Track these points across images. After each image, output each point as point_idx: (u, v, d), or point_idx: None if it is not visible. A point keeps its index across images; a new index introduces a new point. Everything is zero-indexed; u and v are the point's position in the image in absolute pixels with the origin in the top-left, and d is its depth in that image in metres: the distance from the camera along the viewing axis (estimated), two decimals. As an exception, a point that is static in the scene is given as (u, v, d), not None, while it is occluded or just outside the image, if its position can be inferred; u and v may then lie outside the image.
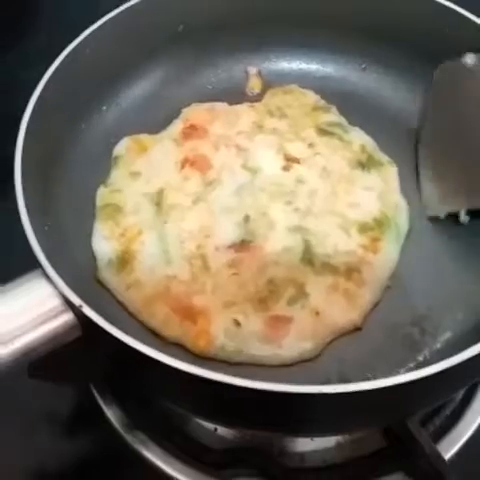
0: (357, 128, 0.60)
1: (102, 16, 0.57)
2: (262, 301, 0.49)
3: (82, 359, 0.50)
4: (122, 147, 0.58)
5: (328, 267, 0.51)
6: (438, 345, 0.49)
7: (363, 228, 0.54)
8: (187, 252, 0.51)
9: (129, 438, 0.54)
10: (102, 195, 0.55)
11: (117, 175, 0.56)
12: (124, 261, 0.51)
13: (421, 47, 0.60)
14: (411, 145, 0.60)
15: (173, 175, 0.56)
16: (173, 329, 0.48)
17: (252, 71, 0.65)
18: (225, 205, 0.54)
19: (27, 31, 0.88)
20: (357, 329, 0.50)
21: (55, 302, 0.41)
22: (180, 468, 0.53)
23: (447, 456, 0.52)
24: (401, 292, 0.52)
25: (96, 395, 0.56)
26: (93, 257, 0.52)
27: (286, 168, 0.56)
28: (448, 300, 0.51)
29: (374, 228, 0.54)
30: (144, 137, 0.59)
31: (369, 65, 0.64)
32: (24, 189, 0.46)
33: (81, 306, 0.40)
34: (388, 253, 0.53)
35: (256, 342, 0.48)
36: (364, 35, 0.63)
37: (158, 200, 0.54)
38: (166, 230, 0.52)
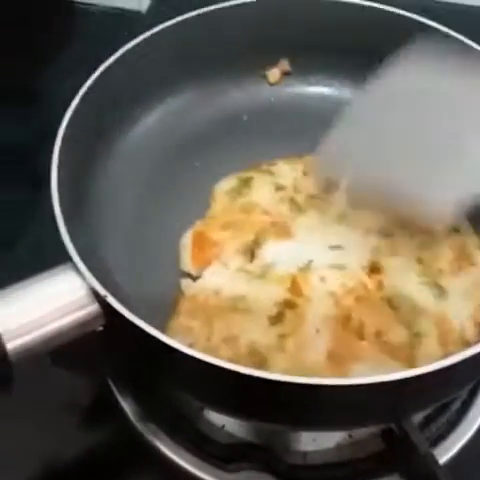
0: None
1: (138, 35, 0.62)
2: None
3: (102, 352, 0.54)
4: None
5: None
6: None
7: None
8: None
9: (142, 429, 0.57)
10: None
11: None
12: None
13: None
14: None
15: None
16: None
17: (283, 65, 0.69)
18: None
19: (65, 46, 0.93)
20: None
21: (82, 292, 0.45)
22: (188, 459, 0.56)
23: (442, 460, 0.55)
24: None
25: (113, 387, 0.59)
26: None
27: None
28: None
29: None
30: None
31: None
32: (60, 194, 0.50)
33: (106, 296, 0.44)
34: None
35: None
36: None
37: None
38: None
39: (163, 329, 0.43)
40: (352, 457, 0.56)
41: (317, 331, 0.51)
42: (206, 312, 0.53)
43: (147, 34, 0.62)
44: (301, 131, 0.65)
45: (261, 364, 0.49)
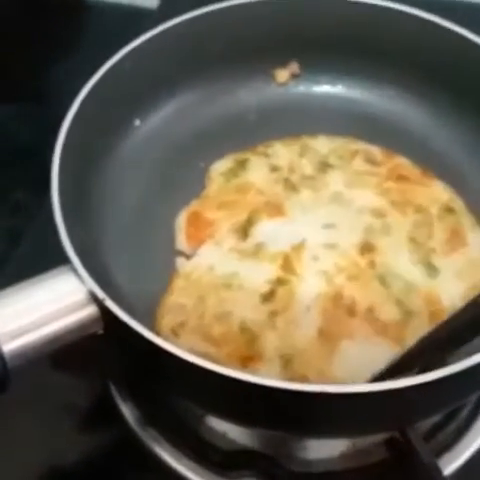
0: None
1: (142, 34, 0.61)
2: None
3: (102, 355, 0.53)
4: None
5: None
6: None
7: None
8: None
9: (142, 434, 0.56)
10: None
11: None
12: None
13: (451, 82, 0.63)
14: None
15: None
16: None
17: (293, 67, 0.68)
18: None
19: (74, 44, 0.93)
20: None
21: (80, 295, 0.44)
22: (189, 465, 0.55)
23: (447, 471, 0.54)
24: None
25: (113, 391, 0.58)
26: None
27: None
28: None
29: None
30: None
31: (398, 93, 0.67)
32: (60, 196, 0.49)
33: (104, 299, 0.43)
34: None
35: None
36: (397, 65, 0.65)
37: None
38: None
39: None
40: (355, 465, 0.55)
41: (308, 309, 0.51)
42: (199, 289, 0.53)
43: (154, 32, 0.62)
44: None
45: (252, 341, 0.50)
